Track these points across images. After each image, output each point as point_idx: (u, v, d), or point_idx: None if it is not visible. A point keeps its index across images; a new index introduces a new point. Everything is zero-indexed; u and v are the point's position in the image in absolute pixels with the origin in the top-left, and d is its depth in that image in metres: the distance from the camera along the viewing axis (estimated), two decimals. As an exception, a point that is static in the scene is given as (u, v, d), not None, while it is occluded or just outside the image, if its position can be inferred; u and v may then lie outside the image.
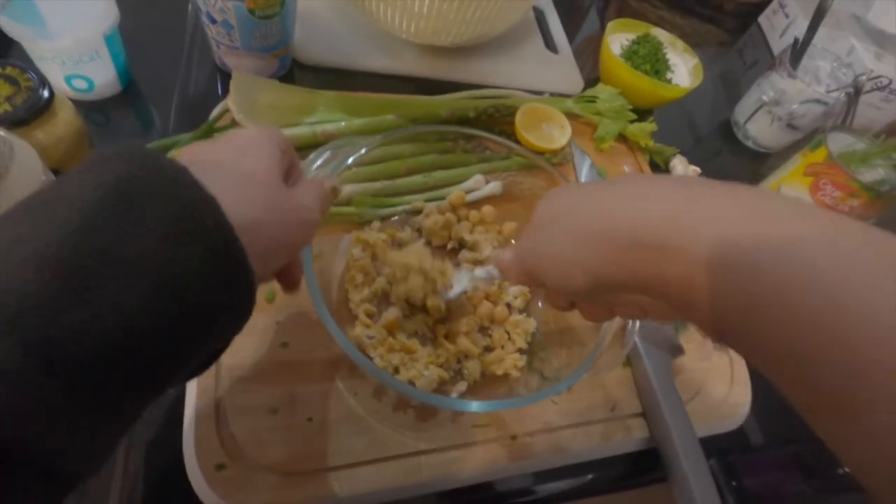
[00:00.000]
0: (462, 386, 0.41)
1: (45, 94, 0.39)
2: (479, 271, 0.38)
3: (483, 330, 0.45)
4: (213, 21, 0.49)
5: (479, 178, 0.51)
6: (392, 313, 0.42)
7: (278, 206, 0.25)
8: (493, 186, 0.51)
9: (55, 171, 0.40)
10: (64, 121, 0.41)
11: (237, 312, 0.22)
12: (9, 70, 0.39)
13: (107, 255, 0.18)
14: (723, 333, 0.22)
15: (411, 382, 0.39)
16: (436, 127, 0.53)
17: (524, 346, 0.44)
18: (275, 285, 0.32)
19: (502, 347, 0.44)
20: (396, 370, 0.40)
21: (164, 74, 0.55)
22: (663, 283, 0.22)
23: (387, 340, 0.41)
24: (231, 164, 0.25)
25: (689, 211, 0.22)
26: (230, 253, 0.21)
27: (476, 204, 0.51)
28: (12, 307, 0.16)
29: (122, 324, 0.17)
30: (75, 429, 0.17)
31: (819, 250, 0.19)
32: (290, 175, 0.29)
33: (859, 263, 0.18)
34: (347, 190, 0.46)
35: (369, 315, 0.43)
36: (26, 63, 0.40)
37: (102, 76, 0.51)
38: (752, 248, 0.20)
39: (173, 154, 0.24)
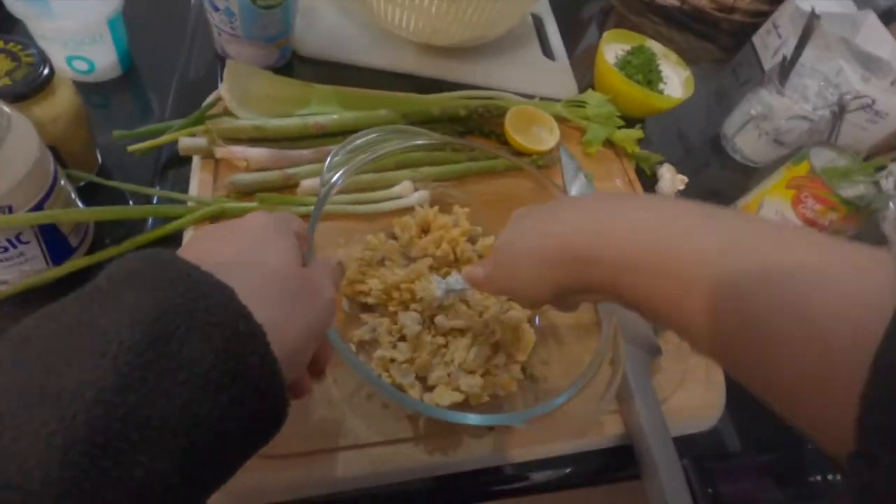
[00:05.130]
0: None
1: (46, 71, 0.39)
2: (453, 281, 0.41)
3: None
4: (216, 8, 0.51)
5: (407, 184, 0.50)
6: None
7: (300, 298, 0.25)
8: (421, 195, 0.50)
9: (52, 148, 0.40)
10: (63, 99, 0.42)
11: (271, 434, 0.22)
12: (10, 46, 0.40)
13: (138, 418, 0.17)
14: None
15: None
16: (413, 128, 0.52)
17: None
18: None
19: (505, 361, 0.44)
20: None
21: (164, 60, 0.56)
22: (601, 286, 0.28)
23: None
24: (249, 260, 0.24)
25: (611, 227, 0.28)
26: (272, 388, 0.20)
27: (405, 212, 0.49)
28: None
29: (152, 486, 0.17)
30: None
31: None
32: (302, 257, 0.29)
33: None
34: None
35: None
36: (29, 40, 0.41)
37: (103, 59, 0.51)
38: (660, 259, 0.25)
39: (182, 250, 0.24)
